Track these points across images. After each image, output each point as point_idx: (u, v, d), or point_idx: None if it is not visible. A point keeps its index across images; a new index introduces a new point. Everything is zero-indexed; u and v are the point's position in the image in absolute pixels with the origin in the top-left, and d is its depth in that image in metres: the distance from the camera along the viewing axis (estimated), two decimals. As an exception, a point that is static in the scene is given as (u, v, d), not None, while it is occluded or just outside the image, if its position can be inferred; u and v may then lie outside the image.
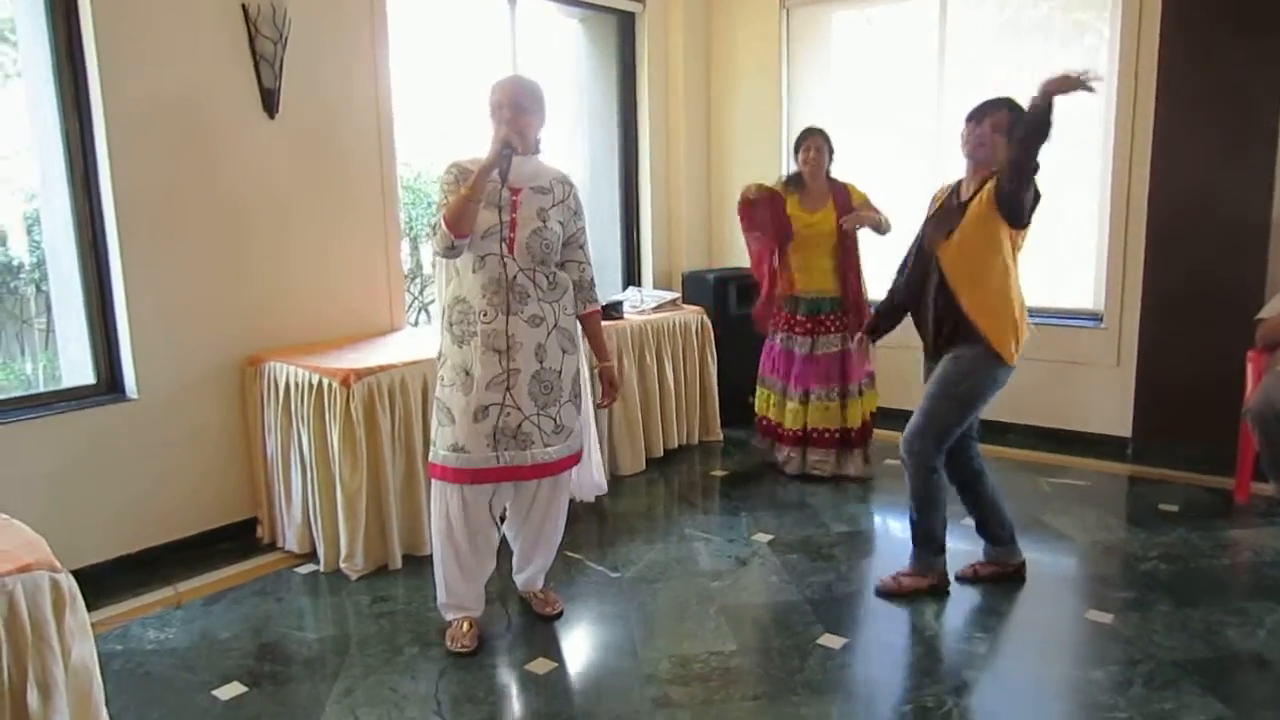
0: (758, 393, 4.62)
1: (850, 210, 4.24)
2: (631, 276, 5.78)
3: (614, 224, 5.76)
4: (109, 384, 3.56)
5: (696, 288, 5.40)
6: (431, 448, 2.84)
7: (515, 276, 2.75)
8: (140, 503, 3.53)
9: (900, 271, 3.29)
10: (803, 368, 4.35)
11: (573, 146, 5.84)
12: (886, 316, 3.41)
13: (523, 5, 4.98)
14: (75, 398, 3.50)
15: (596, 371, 3.10)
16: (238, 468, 3.81)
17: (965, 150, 3.07)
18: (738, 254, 5.70)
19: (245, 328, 3.79)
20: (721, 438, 5.15)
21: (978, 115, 3.03)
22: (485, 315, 2.73)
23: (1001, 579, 3.30)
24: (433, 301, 6.24)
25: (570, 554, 3.58)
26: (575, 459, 2.97)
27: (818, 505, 4.10)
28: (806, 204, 4.31)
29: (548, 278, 2.82)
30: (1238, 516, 3.84)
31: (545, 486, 2.98)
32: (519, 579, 3.17)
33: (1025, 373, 3.30)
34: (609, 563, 3.55)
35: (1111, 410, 4.78)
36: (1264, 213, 4.22)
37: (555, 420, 2.86)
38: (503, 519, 3.05)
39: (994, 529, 3.30)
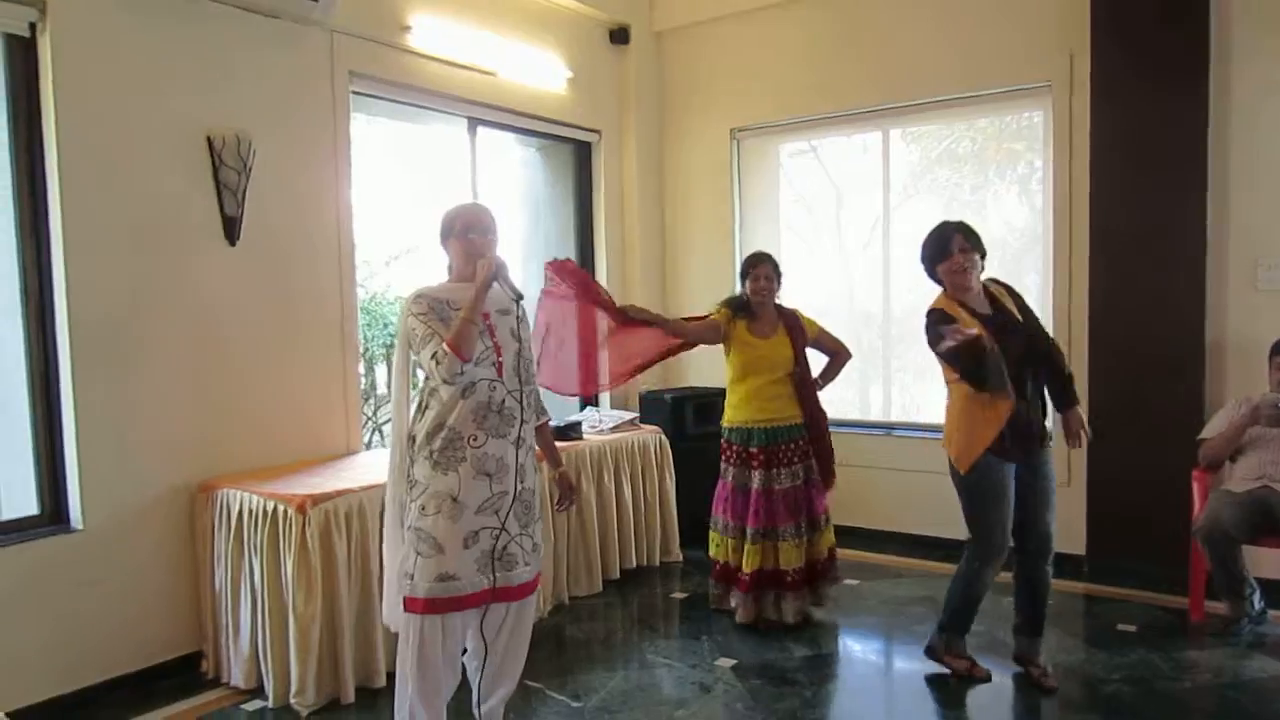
0: (710, 536, 4.25)
1: (804, 337, 4.11)
2: (589, 399, 5.80)
3: (571, 344, 5.81)
4: (53, 515, 3.45)
5: (654, 408, 5.43)
6: (406, 582, 2.71)
7: (504, 400, 2.77)
8: (78, 639, 3.38)
9: None
10: (761, 503, 3.98)
11: (529, 269, 5.94)
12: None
13: (483, 134, 5.14)
14: (17, 529, 3.38)
15: (553, 479, 3.11)
16: (184, 599, 3.68)
17: (957, 276, 3.36)
18: (694, 373, 5.80)
19: (199, 454, 3.72)
20: (681, 558, 5.11)
21: (951, 244, 3.37)
22: (475, 440, 2.71)
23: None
24: (387, 422, 6.19)
25: (529, 683, 3.48)
26: (539, 577, 2.99)
27: (778, 630, 4.05)
28: (758, 330, 4.06)
29: (529, 398, 2.86)
30: (1194, 636, 3.87)
31: (514, 608, 2.93)
32: (482, 710, 3.05)
33: (982, 492, 3.40)
34: (569, 691, 3.46)
35: (1065, 528, 4.83)
36: (1198, 338, 4.40)
37: (533, 539, 2.88)
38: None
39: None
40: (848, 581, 4.67)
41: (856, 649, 3.94)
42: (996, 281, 3.47)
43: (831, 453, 4.12)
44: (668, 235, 6.09)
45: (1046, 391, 3.43)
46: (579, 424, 4.75)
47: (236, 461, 3.82)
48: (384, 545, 2.88)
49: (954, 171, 5.36)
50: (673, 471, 5.11)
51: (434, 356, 2.61)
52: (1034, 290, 4.97)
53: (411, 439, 2.77)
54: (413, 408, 2.84)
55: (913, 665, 3.74)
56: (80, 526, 3.42)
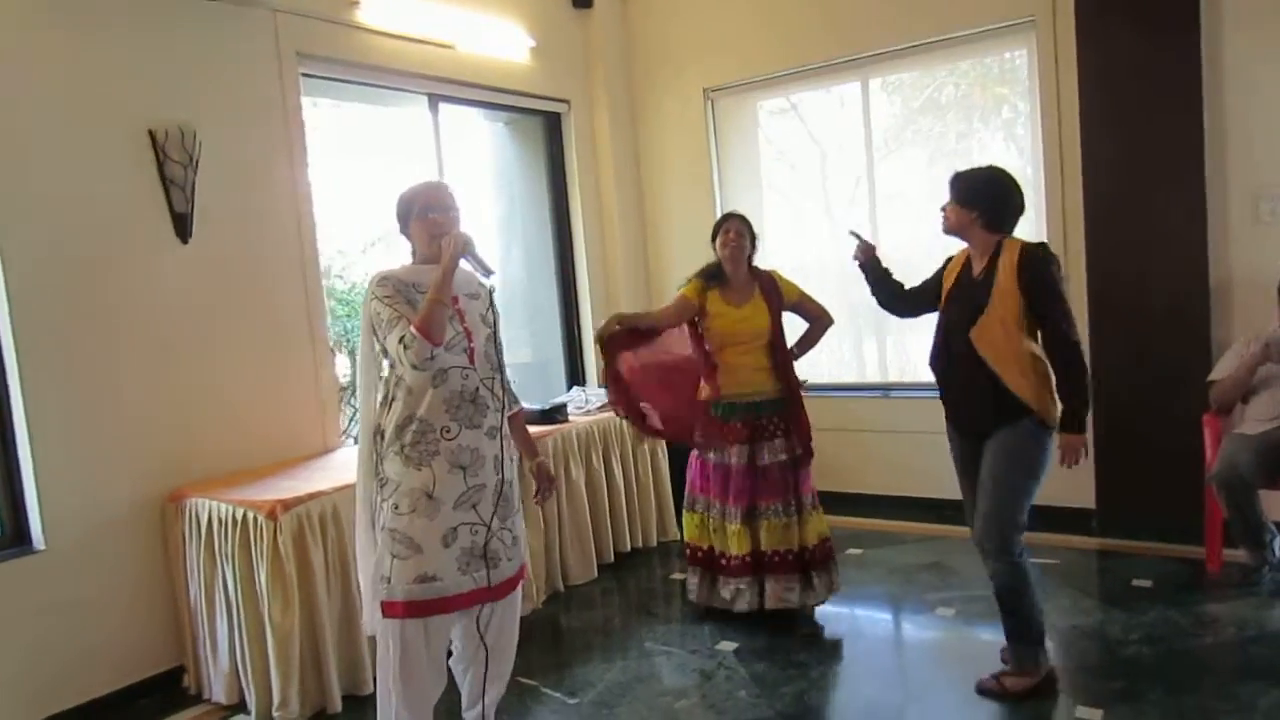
0: (685, 519, 3.94)
1: (780, 300, 3.83)
2: (575, 376, 5.64)
3: (554, 323, 5.64)
4: (15, 536, 3.29)
5: (641, 383, 5.26)
6: (383, 585, 2.54)
7: (477, 388, 2.61)
8: (49, 663, 3.23)
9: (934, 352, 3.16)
10: (744, 481, 3.69)
11: (508, 248, 5.76)
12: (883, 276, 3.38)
13: (448, 111, 4.93)
14: (-24, 553, 3.23)
15: (530, 469, 2.94)
16: (160, 614, 3.52)
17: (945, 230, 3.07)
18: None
19: (165, 463, 3.55)
20: (679, 536, 4.94)
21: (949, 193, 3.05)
22: (448, 431, 2.55)
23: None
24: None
25: (523, 679, 3.34)
26: (525, 569, 2.84)
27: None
28: (731, 298, 3.76)
29: (502, 386, 2.71)
30: (1213, 589, 3.72)
31: (499, 606, 2.77)
32: (470, 715, 2.91)
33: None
34: (565, 687, 3.31)
35: (1072, 481, 4.67)
36: (1201, 276, 4.21)
37: (513, 532, 2.73)
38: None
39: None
40: (851, 550, 4.52)
41: (865, 623, 3.79)
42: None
43: (809, 427, 3.80)
44: (647, 203, 5.89)
45: None
46: (564, 406, 4.58)
47: (207, 468, 3.65)
48: (356, 549, 2.72)
49: (937, 120, 5.15)
50: (665, 447, 4.95)
51: (401, 340, 2.42)
52: (1030, 235, 4.78)
53: (380, 433, 2.60)
54: (378, 399, 2.67)
55: (925, 638, 3.60)
56: (43, 547, 3.26)
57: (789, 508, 3.70)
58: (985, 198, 2.94)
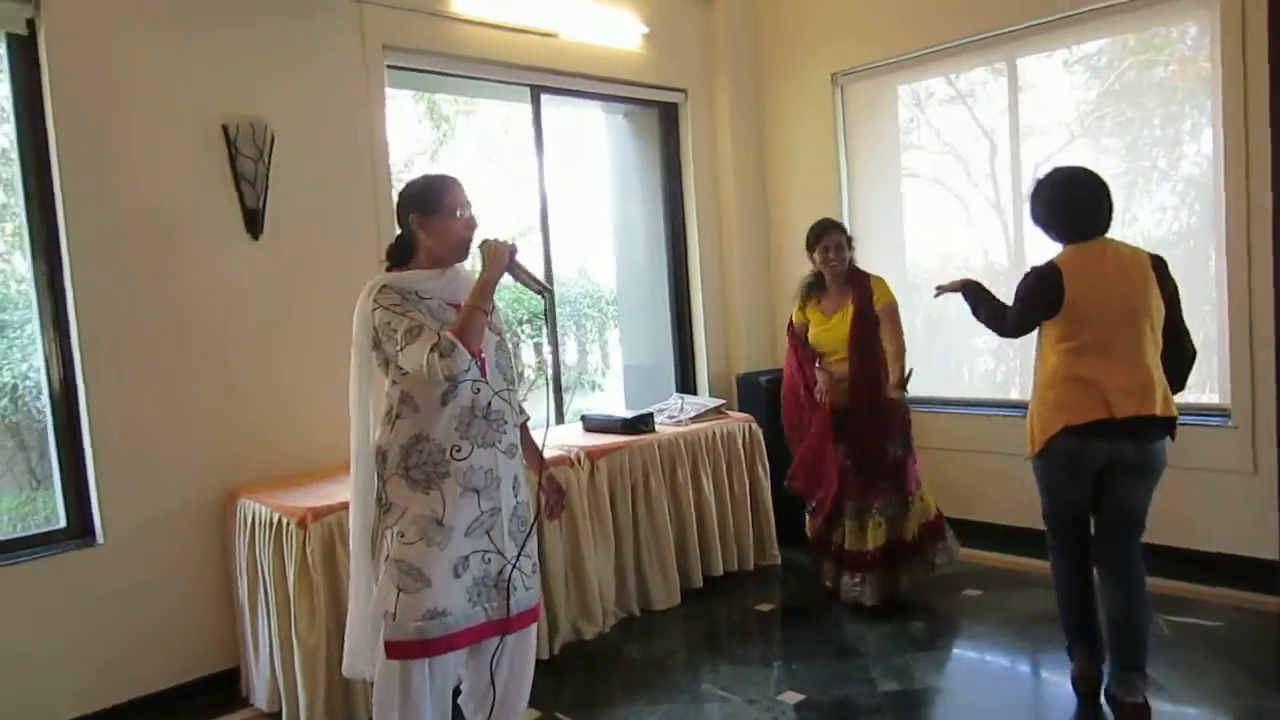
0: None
1: (869, 308, 3.76)
2: (686, 382, 5.31)
3: (665, 326, 5.34)
4: (79, 528, 3.36)
5: (749, 392, 4.89)
6: (386, 623, 2.31)
7: (490, 402, 2.39)
8: (106, 655, 3.28)
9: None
10: (849, 481, 3.83)
11: (620, 247, 5.54)
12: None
13: (556, 103, 4.73)
14: (44, 543, 3.31)
15: (541, 481, 2.68)
16: (218, 614, 3.51)
17: None
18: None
19: (227, 462, 3.54)
20: (779, 560, 4.55)
21: None
22: (459, 451, 2.33)
23: None
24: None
25: (558, 713, 3.08)
26: (540, 602, 2.64)
27: (868, 654, 3.45)
28: (826, 307, 3.92)
29: (515, 399, 2.50)
30: None
31: (512, 639, 2.53)
32: (482, 755, 2.68)
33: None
34: (601, 730, 3.03)
35: (1249, 527, 3.92)
36: None
37: (531, 559, 2.51)
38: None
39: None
40: (969, 591, 3.97)
41: (961, 684, 3.28)
42: None
43: (878, 442, 3.76)
44: (770, 199, 5.46)
45: None
46: (649, 415, 4.27)
47: (269, 468, 3.62)
48: (351, 584, 2.50)
49: (1132, 106, 4.35)
50: (767, 463, 4.55)
51: (434, 348, 2.19)
52: (1208, 232, 4.06)
53: (381, 455, 2.39)
54: (379, 417, 2.48)
55: (1027, 704, 3.06)
56: (102, 540, 3.31)
57: (886, 506, 3.81)
58: (1035, 214, 2.92)
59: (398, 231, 2.51)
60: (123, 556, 3.32)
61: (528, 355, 7.26)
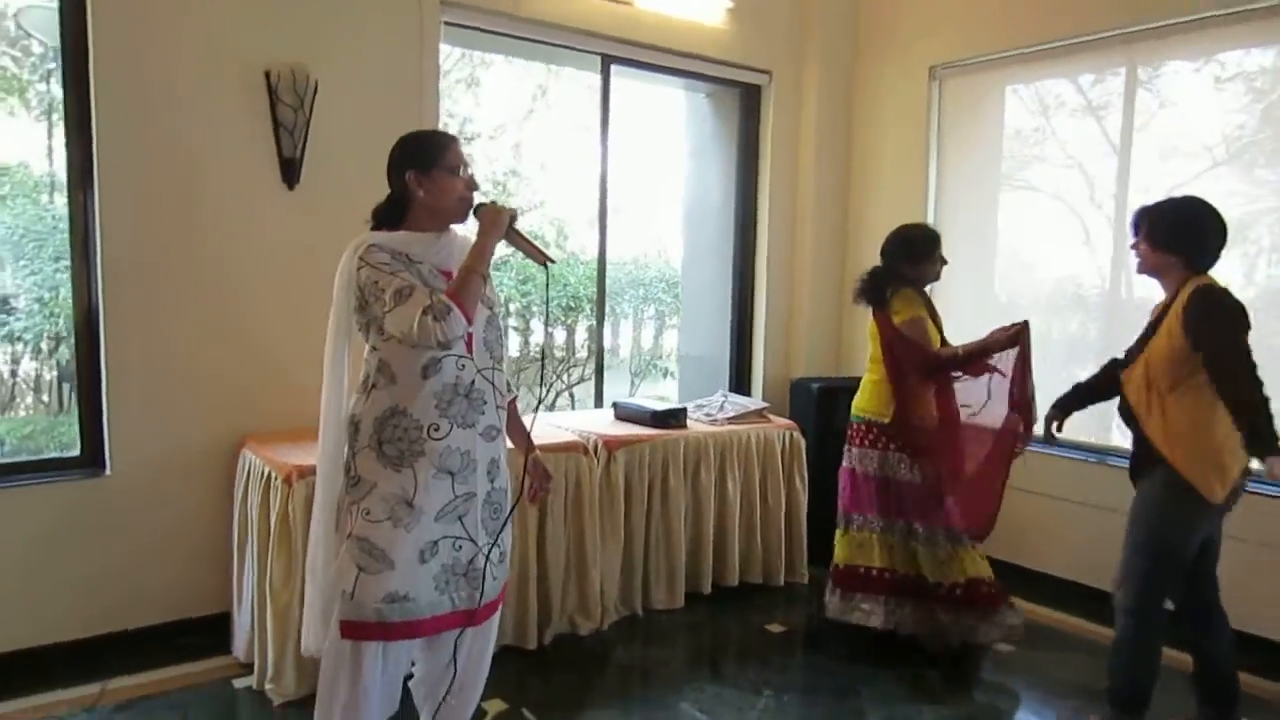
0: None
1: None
2: (740, 379, 5.07)
3: (725, 318, 5.10)
4: (91, 458, 3.40)
5: (800, 398, 4.62)
6: (343, 601, 2.20)
7: (473, 381, 2.25)
8: (108, 584, 3.33)
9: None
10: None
11: (687, 231, 5.33)
12: (1080, 396, 3.11)
13: (626, 74, 4.55)
14: (57, 468, 3.37)
15: (526, 464, 2.53)
16: (217, 558, 3.51)
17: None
18: (853, 360, 4.89)
19: (239, 411, 3.52)
20: (806, 579, 4.28)
21: (1135, 231, 2.83)
22: (437, 430, 2.20)
23: None
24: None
25: (526, 713, 2.95)
26: (504, 591, 2.49)
27: (869, 698, 3.18)
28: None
29: (501, 378, 2.35)
30: None
31: (474, 630, 2.40)
32: (427, 747, 2.56)
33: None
34: (559, 736, 2.87)
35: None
36: None
37: (501, 549, 2.37)
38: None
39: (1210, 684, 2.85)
40: (998, 646, 3.63)
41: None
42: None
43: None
44: (852, 196, 5.14)
45: None
46: (682, 411, 4.06)
47: (277, 423, 3.57)
48: (309, 558, 2.38)
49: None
50: (805, 475, 4.28)
51: (427, 311, 2.05)
52: None
53: (354, 425, 2.27)
54: (356, 384, 2.37)
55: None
56: (110, 472, 3.34)
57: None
58: (1184, 241, 2.70)
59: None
60: (129, 490, 3.35)
61: (559, 336, 7.08)
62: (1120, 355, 2.94)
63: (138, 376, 3.35)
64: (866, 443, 3.52)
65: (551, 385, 2.18)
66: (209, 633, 3.47)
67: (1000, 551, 4.02)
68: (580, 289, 6.49)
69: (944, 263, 3.56)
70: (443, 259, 2.30)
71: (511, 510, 2.39)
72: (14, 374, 5.70)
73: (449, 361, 2.21)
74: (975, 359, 3.32)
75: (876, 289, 3.51)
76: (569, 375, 7.04)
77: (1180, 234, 2.69)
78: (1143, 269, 2.82)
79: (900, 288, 3.48)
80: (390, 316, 2.11)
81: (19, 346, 5.48)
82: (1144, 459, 2.77)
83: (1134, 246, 2.82)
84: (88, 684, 3.11)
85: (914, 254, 3.50)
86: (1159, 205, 2.78)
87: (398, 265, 2.19)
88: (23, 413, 5.79)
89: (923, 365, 3.39)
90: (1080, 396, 3.09)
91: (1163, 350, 2.68)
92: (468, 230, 2.35)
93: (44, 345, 5.50)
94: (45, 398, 5.91)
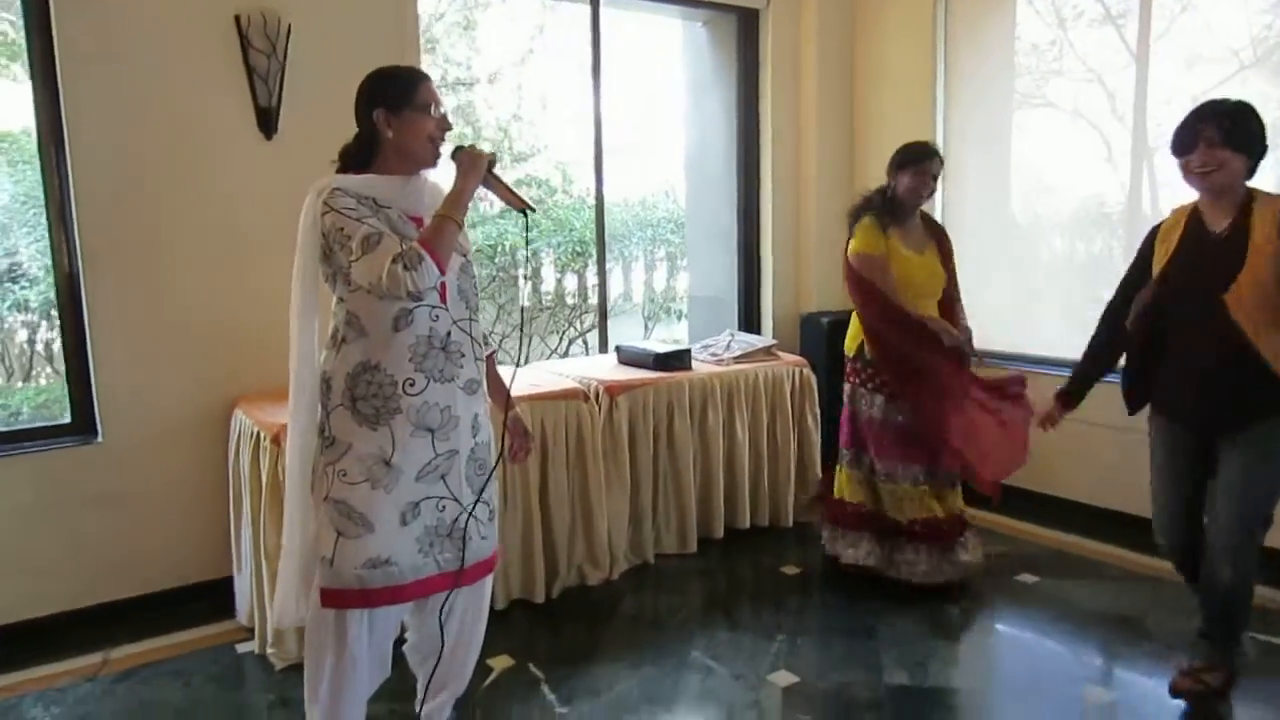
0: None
1: (949, 259, 3.41)
2: (750, 318, 4.93)
3: (731, 256, 4.95)
4: (82, 425, 3.34)
5: (811, 333, 4.48)
6: (323, 568, 2.11)
7: (449, 332, 2.14)
8: (104, 551, 3.29)
9: (1107, 324, 2.81)
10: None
11: (688, 168, 5.14)
12: (1087, 380, 2.88)
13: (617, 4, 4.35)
14: (48, 436, 3.31)
15: (505, 422, 2.41)
16: (217, 522, 3.44)
17: (1194, 179, 2.52)
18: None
19: (230, 371, 3.44)
20: (819, 518, 4.17)
21: (1196, 137, 2.46)
22: (412, 385, 2.09)
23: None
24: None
25: (532, 668, 2.88)
26: (497, 552, 2.36)
27: (885, 638, 3.08)
28: (909, 241, 3.34)
29: (478, 329, 2.23)
30: None
31: (465, 592, 2.31)
32: (423, 710, 2.49)
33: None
34: (566, 689, 2.80)
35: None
36: None
37: (489, 505, 2.27)
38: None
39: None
40: (1024, 577, 3.53)
41: (980, 686, 2.88)
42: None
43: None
44: (856, 120, 4.92)
45: None
46: (686, 352, 3.94)
47: (269, 382, 3.48)
48: (285, 524, 2.27)
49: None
50: (817, 412, 4.15)
51: (397, 259, 1.92)
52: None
53: (326, 382, 2.16)
54: (324, 338, 2.26)
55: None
56: (101, 439, 3.28)
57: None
58: (1257, 139, 2.45)
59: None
60: (122, 456, 3.30)
61: (570, 283, 6.92)
62: (1119, 305, 2.75)
63: (122, 341, 3.27)
64: (847, 376, 3.49)
65: (530, 337, 2.08)
66: (212, 597, 3.42)
67: (1028, 481, 3.91)
68: (585, 233, 6.34)
69: (933, 177, 3.32)
70: (412, 204, 2.17)
71: (494, 468, 2.29)
72: (31, 342, 5.65)
73: (421, 312, 2.09)
74: (921, 331, 3.21)
75: (854, 213, 3.40)
76: (580, 322, 6.92)
77: (1257, 134, 2.45)
78: (1216, 179, 2.45)
79: (866, 215, 3.32)
80: (357, 265, 1.99)
81: (32, 315, 5.42)
82: (1259, 397, 2.46)
83: (1202, 153, 2.45)
84: (90, 653, 3.08)
85: (892, 162, 3.36)
86: (1223, 104, 2.47)
87: (364, 210, 2.06)
88: (43, 381, 5.75)
89: (867, 303, 3.29)
90: (1088, 376, 2.87)
91: (1272, 266, 2.39)
92: (438, 175, 2.22)
93: (53, 313, 5.45)
94: (61, 366, 5.89)
